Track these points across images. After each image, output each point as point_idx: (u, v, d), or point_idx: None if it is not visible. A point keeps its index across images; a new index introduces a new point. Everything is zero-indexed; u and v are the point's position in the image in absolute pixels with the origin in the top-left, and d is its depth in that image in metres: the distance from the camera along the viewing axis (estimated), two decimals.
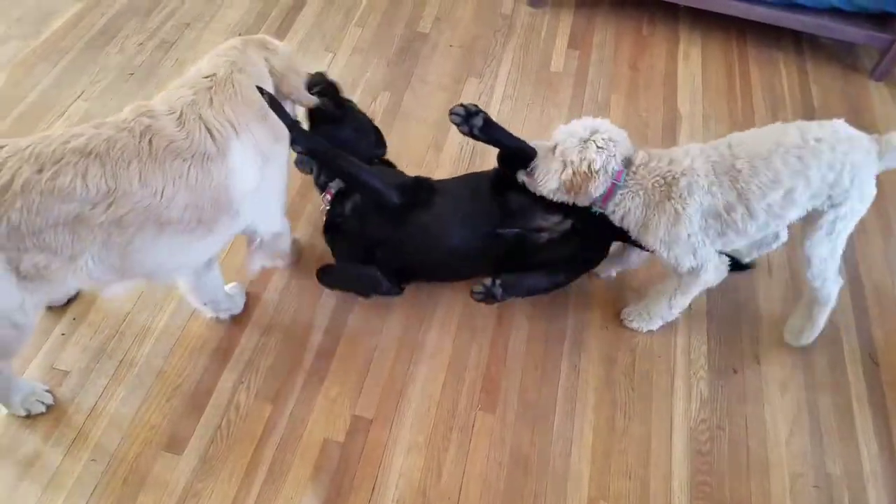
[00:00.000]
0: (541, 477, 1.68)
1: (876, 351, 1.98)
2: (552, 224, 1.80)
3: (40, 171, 1.27)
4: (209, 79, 1.49)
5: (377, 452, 1.69)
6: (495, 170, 1.88)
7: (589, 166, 1.65)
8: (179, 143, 1.39)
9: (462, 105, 1.69)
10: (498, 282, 1.77)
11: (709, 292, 2.04)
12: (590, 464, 1.71)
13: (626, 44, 2.88)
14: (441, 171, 2.31)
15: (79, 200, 1.29)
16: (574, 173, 1.66)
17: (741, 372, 1.91)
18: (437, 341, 1.90)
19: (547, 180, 1.71)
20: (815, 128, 1.65)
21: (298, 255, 2.02)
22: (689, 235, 1.69)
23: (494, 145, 1.79)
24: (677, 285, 1.82)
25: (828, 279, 1.79)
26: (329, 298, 1.96)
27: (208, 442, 1.67)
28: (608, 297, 2.03)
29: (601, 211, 1.75)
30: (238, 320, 1.89)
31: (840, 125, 1.67)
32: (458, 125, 1.70)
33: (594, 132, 1.67)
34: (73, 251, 1.33)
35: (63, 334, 1.82)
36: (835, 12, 2.79)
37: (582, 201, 1.73)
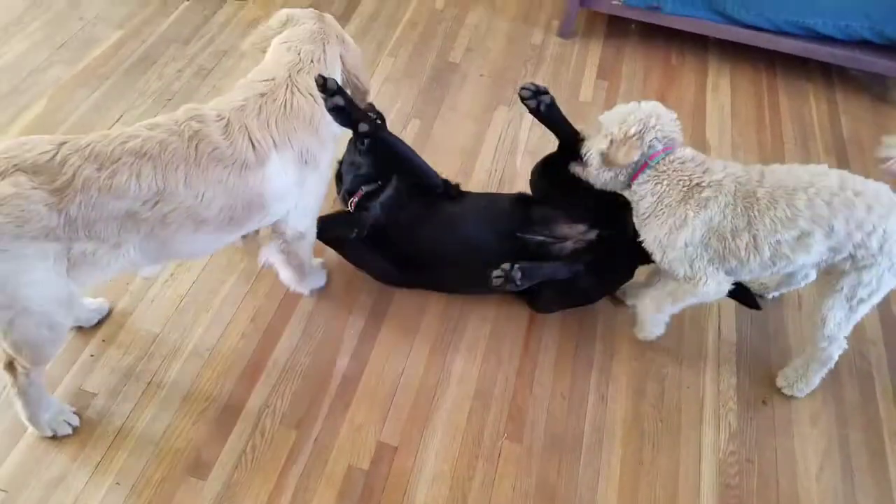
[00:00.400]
0: None
1: None
2: (578, 233, 1.82)
3: (99, 169, 1.36)
4: (266, 83, 1.59)
5: (402, 481, 1.70)
6: (519, 193, 1.99)
7: (625, 133, 1.65)
8: (223, 150, 1.48)
9: (533, 83, 1.77)
10: (517, 266, 1.74)
11: (738, 323, 2.04)
12: (617, 496, 1.70)
13: (655, 75, 2.91)
14: None
15: (131, 198, 1.39)
16: (612, 143, 1.66)
17: (771, 404, 1.89)
18: (464, 368, 1.91)
19: (591, 158, 1.71)
20: (858, 181, 1.59)
21: (326, 279, 2.06)
22: (686, 245, 1.66)
23: (553, 129, 1.85)
24: (672, 290, 1.77)
25: (835, 341, 1.75)
26: (356, 322, 1.98)
27: (232, 468, 1.68)
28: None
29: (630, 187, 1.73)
30: (265, 343, 1.92)
31: (884, 189, 1.60)
32: (525, 99, 1.77)
33: (638, 109, 1.69)
34: (118, 240, 1.43)
35: (92, 356, 1.86)
36: (864, 44, 2.80)
37: (615, 179, 1.72)
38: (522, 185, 2.29)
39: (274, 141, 1.55)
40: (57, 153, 1.35)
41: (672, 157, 1.67)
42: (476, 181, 2.40)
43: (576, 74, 2.87)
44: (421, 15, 3.12)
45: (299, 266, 1.92)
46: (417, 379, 1.88)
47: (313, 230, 1.86)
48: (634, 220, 1.75)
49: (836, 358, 1.80)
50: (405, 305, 2.04)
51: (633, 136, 1.65)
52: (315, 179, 1.70)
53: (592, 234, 1.83)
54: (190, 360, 1.87)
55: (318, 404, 1.81)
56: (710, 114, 2.76)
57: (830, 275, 1.69)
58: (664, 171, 1.67)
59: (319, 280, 2.04)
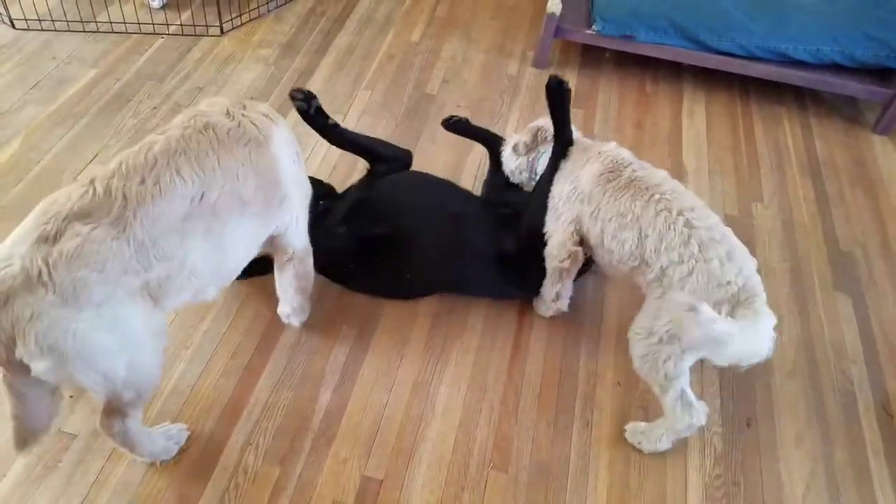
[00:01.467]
0: None
1: (890, 403, 2.01)
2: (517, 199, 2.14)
3: (142, 181, 1.41)
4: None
5: None
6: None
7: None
8: (235, 130, 1.57)
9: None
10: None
11: None
12: None
13: (630, 102, 3.01)
14: None
15: (180, 197, 1.44)
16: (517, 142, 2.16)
17: (755, 425, 1.94)
18: (448, 399, 1.94)
19: (505, 153, 2.19)
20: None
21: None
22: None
23: (477, 138, 2.35)
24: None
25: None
26: (339, 355, 2.01)
27: None
28: (619, 353, 2.08)
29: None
30: (246, 380, 1.93)
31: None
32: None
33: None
34: (183, 252, 1.46)
35: (72, 396, 1.86)
36: (836, 68, 2.92)
37: (522, 173, 2.17)
38: None
39: (272, 119, 1.67)
40: (94, 188, 1.38)
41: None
42: None
43: None
44: (397, 48, 3.21)
45: (307, 289, 1.99)
46: (401, 411, 1.90)
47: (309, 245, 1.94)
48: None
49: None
50: (388, 337, 2.07)
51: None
52: (302, 181, 1.81)
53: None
54: (170, 398, 1.88)
55: (301, 439, 1.83)
56: (685, 140, 2.85)
57: None
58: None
59: (308, 309, 2.08)
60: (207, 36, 3.15)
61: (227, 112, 1.61)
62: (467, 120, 2.28)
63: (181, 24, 3.19)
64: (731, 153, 2.80)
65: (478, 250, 2.05)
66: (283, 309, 2.01)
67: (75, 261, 1.30)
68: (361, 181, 2.21)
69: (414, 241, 2.06)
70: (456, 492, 1.75)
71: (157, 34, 3.12)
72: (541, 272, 2.02)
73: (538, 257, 2.00)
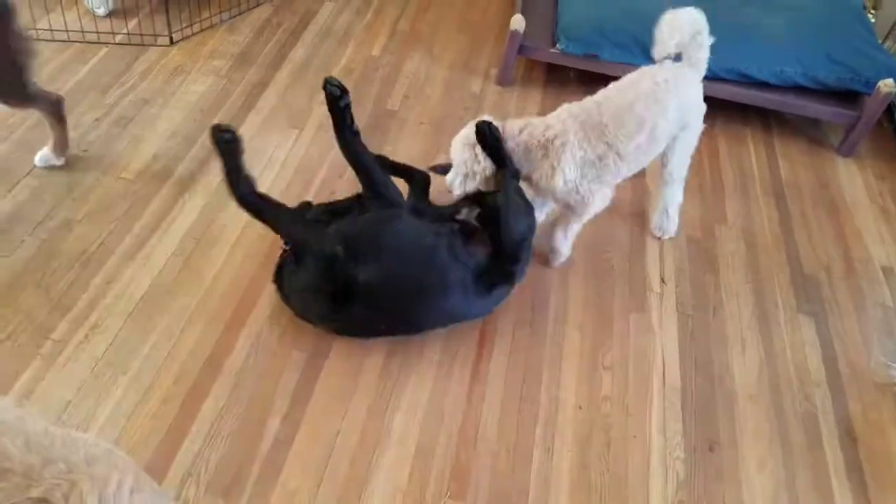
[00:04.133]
0: None
1: (853, 426, 2.08)
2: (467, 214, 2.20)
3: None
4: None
5: None
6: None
7: (465, 161, 2.19)
8: None
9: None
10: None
11: (683, 368, 2.15)
12: None
13: None
14: None
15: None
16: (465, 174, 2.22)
17: (718, 450, 1.98)
18: (404, 426, 1.94)
19: (455, 184, 2.23)
20: (659, 71, 2.25)
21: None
22: (565, 183, 2.14)
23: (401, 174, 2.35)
24: (570, 217, 2.29)
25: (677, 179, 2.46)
26: (289, 381, 2.00)
27: None
28: (581, 376, 2.11)
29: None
30: (188, 408, 1.91)
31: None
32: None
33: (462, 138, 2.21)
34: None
35: None
36: (799, 90, 3.04)
37: (481, 182, 2.21)
38: None
39: None
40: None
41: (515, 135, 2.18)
42: None
43: None
44: (356, 62, 3.25)
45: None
46: (355, 439, 1.90)
47: None
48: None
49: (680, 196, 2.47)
50: (342, 362, 2.07)
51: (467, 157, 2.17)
52: None
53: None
54: (106, 427, 1.85)
55: (247, 469, 1.81)
56: None
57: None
58: (518, 146, 2.17)
59: None
60: (156, 46, 3.15)
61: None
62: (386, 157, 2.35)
63: (128, 33, 3.18)
64: (695, 172, 2.88)
65: (457, 277, 2.04)
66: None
67: None
68: (348, 205, 2.22)
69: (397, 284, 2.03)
70: None
71: (102, 43, 3.11)
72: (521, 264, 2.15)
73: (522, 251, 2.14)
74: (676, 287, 2.42)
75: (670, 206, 2.51)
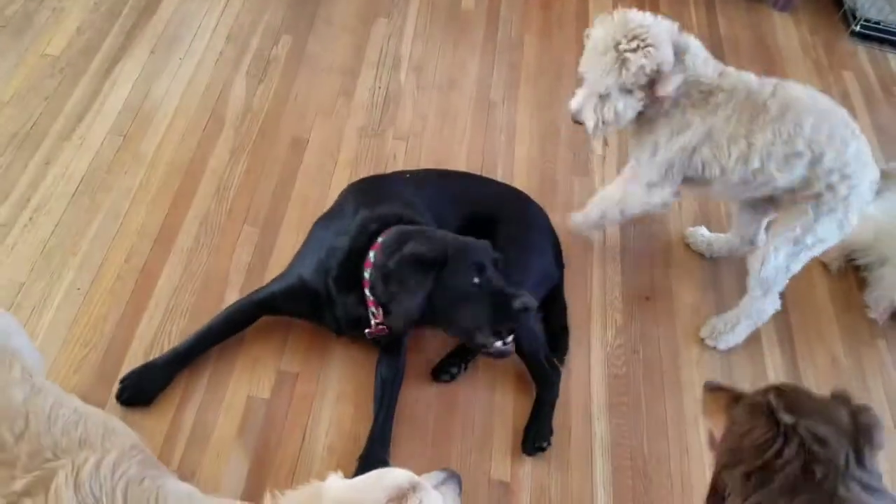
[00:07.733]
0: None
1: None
2: None
3: None
4: None
5: (305, 405, 1.80)
6: None
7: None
8: None
9: None
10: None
11: (623, 228, 2.26)
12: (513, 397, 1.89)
13: None
14: (353, 119, 2.40)
15: None
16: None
17: (654, 299, 2.13)
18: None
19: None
20: (855, 127, 1.75)
21: None
22: (682, 148, 1.77)
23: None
24: (620, 198, 1.95)
25: (770, 291, 1.88)
26: (243, 255, 2.02)
27: (122, 412, 1.71)
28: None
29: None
30: (143, 285, 1.93)
31: (867, 146, 1.76)
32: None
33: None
34: None
35: None
36: None
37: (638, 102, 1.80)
38: (409, 105, 2.43)
39: None
40: None
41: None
42: (359, 101, 2.46)
43: None
44: None
45: None
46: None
47: None
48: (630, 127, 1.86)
49: (769, 313, 1.94)
50: (294, 235, 2.09)
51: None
52: None
53: None
54: (62, 307, 1.86)
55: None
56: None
57: (785, 215, 1.83)
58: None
59: None
60: None
61: None
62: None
63: None
64: None
65: None
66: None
67: None
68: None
69: None
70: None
71: None
72: None
73: None
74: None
75: None
